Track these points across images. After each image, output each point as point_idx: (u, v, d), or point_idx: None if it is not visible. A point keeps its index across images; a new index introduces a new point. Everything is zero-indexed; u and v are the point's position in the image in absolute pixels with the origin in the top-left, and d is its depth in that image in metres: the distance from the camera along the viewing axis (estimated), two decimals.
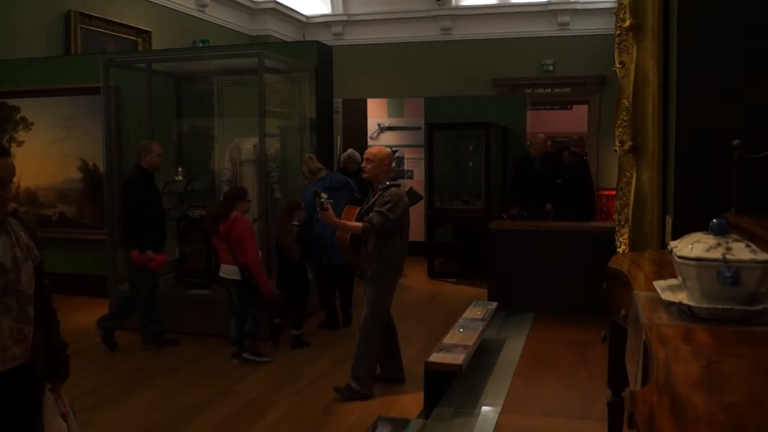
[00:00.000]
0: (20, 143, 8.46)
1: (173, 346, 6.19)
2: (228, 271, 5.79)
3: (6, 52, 8.82)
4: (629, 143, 4.68)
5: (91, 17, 10.09)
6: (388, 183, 4.92)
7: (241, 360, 5.76)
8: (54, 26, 9.66)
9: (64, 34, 9.79)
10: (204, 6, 12.50)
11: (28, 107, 8.44)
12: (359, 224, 4.79)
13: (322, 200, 4.71)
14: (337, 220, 4.83)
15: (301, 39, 14.33)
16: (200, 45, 11.69)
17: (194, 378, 5.39)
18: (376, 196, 4.91)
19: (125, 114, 7.83)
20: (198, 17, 12.45)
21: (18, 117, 8.49)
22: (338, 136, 10.73)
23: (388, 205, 4.75)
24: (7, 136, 8.49)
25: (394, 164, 10.96)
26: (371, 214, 4.78)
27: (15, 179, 8.41)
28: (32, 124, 8.43)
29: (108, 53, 9.21)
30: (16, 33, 9.09)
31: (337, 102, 10.41)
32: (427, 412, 4.56)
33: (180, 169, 7.33)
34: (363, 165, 5.06)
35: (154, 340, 6.21)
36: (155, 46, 11.09)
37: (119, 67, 7.26)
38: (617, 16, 4.95)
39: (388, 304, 5.04)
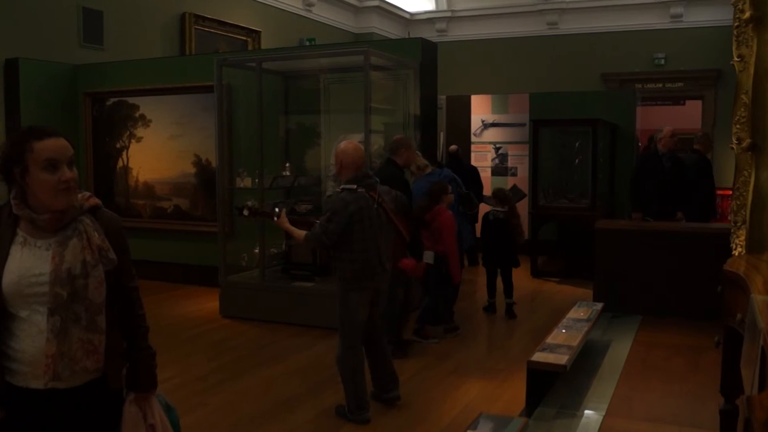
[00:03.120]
0: (139, 139, 8.90)
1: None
2: (427, 256, 6.11)
3: (126, 53, 9.31)
4: (748, 141, 4.47)
5: (204, 19, 10.50)
6: (341, 187, 4.40)
7: (417, 339, 6.15)
8: (170, 28, 10.11)
9: (180, 35, 10.24)
10: (311, 5, 12.77)
11: (146, 105, 8.86)
12: (302, 232, 4.50)
13: (275, 210, 4.83)
14: (287, 225, 4.71)
15: (406, 36, 14.42)
16: (307, 43, 11.94)
17: (299, 367, 5.52)
18: None
19: (236, 111, 8.09)
20: (305, 16, 12.74)
21: (137, 114, 8.92)
22: (441, 133, 10.73)
23: (325, 216, 4.32)
24: (128, 133, 8.96)
25: (497, 161, 11.08)
26: (316, 224, 4.42)
27: (134, 173, 8.81)
28: (150, 121, 8.85)
29: (220, 53, 9.56)
30: (135, 35, 9.57)
31: (441, 98, 10.42)
32: (529, 411, 4.51)
33: (288, 165, 7.52)
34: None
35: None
36: (264, 45, 11.43)
37: (231, 67, 7.49)
38: (735, 7, 4.73)
39: (353, 322, 4.42)
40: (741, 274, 2.89)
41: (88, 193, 2.30)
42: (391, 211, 4.48)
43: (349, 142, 4.55)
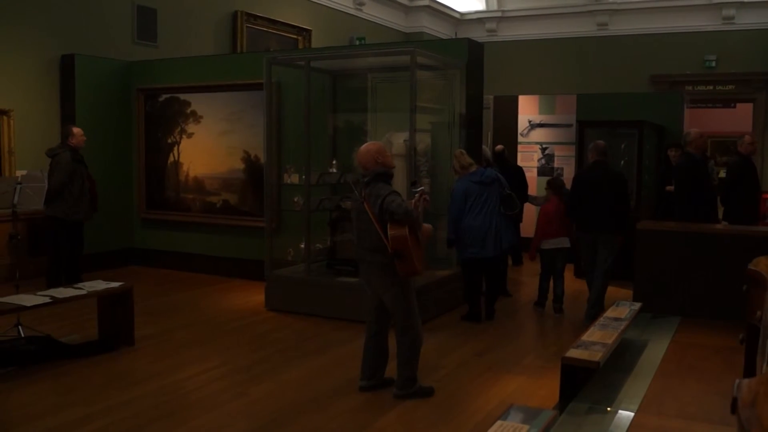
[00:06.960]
0: (190, 135, 9.15)
1: None
2: (563, 241, 7.27)
3: (179, 51, 9.58)
4: None
5: (256, 17, 10.72)
6: None
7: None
8: (222, 26, 10.35)
9: (231, 33, 10.48)
10: (361, 4, 12.92)
11: (198, 101, 9.10)
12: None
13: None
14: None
15: (455, 35, 14.48)
16: (357, 42, 12.09)
17: (341, 360, 5.65)
18: None
19: (285, 108, 8.26)
20: (355, 15, 12.89)
21: (189, 111, 9.18)
22: (488, 133, 10.77)
23: None
24: (179, 128, 9.21)
25: (543, 161, 11.09)
26: None
27: (185, 167, 9.10)
28: (201, 117, 9.09)
29: (271, 51, 9.75)
30: (188, 33, 9.84)
31: (488, 98, 10.45)
32: (562, 406, 4.56)
33: (334, 162, 7.66)
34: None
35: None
36: (314, 43, 11.61)
37: (281, 65, 7.65)
38: None
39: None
40: (762, 272, 2.92)
41: None
42: (371, 212, 4.60)
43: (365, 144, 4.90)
